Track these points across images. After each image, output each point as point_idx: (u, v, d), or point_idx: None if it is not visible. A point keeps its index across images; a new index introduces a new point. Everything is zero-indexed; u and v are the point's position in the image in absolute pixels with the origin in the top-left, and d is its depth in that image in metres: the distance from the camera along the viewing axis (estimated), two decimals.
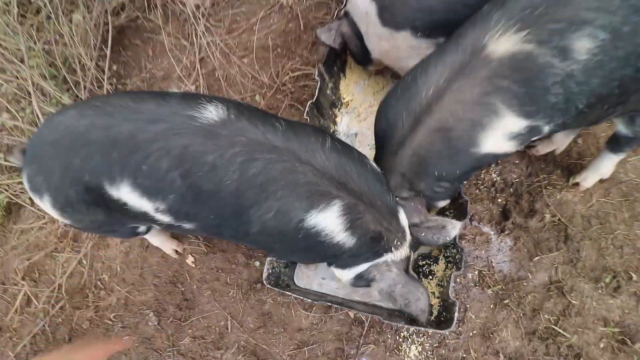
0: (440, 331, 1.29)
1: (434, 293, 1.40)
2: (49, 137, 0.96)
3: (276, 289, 1.37)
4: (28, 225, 1.89)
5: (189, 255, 1.69)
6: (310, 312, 1.49)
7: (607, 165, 1.40)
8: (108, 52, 2.02)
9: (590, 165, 1.45)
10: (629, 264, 1.36)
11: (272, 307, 1.54)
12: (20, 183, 1.89)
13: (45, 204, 1.03)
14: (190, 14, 2.13)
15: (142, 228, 1.29)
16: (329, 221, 0.95)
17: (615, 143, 1.31)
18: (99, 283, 1.76)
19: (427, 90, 1.01)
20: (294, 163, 0.90)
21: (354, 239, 1.00)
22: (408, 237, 1.10)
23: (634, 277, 1.34)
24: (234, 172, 0.89)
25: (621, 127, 1.21)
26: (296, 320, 1.51)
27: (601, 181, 1.47)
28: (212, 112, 0.90)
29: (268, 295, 1.56)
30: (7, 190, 1.89)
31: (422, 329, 1.33)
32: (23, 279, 1.81)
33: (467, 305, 1.41)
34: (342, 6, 1.77)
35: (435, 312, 1.37)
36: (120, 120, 0.89)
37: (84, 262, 1.79)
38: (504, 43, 0.93)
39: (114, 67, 2.11)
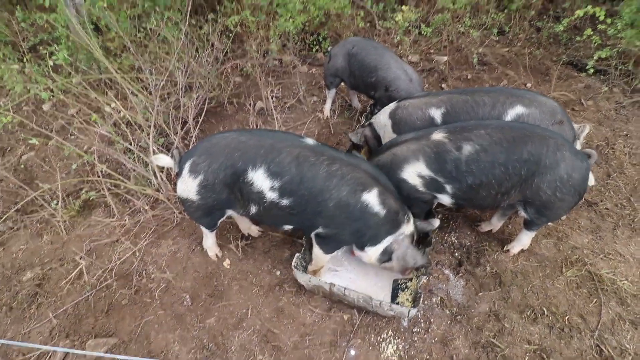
0: (413, 309, 1.73)
1: (407, 299, 1.91)
2: (221, 142, 1.69)
3: (299, 272, 1.87)
4: (98, 220, 2.42)
5: (227, 259, 2.20)
6: (315, 311, 1.93)
7: (525, 238, 2.14)
8: (201, 119, 2.97)
9: (516, 238, 2.18)
10: (542, 304, 1.94)
11: (285, 305, 1.98)
12: (112, 187, 2.50)
13: (194, 182, 1.69)
14: (255, 111, 3.19)
15: (224, 218, 1.90)
16: (372, 198, 1.67)
17: (525, 223, 2.08)
18: (144, 272, 2.18)
19: (397, 140, 1.96)
20: (353, 166, 1.68)
21: (385, 210, 1.70)
22: (412, 218, 1.80)
23: (546, 312, 1.90)
24: (324, 168, 1.63)
25: (522, 212, 1.96)
26: (302, 316, 1.93)
27: (523, 250, 2.18)
28: (309, 140, 1.72)
29: (284, 295, 2.02)
30: (101, 190, 2.46)
31: (401, 309, 1.77)
32: (81, 258, 2.22)
33: (431, 320, 1.90)
34: (361, 124, 2.83)
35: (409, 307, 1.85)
36: (266, 137, 1.68)
37: (137, 254, 2.25)
38: (437, 135, 1.84)
39: (199, 131, 3.03)
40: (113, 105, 2.46)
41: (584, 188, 1.77)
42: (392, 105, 2.40)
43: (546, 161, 1.68)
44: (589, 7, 3.22)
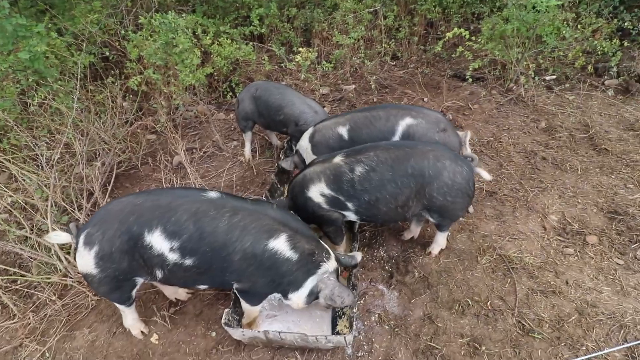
0: (349, 335, 1.73)
1: (345, 326, 1.92)
2: (115, 208, 1.60)
3: (231, 329, 1.78)
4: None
5: (154, 334, 2.02)
6: None
7: (440, 239, 2.32)
8: (110, 187, 2.79)
9: (434, 240, 2.35)
10: (466, 296, 2.10)
11: None
12: (9, 283, 2.18)
13: (89, 254, 1.57)
14: (174, 166, 3.11)
15: (137, 289, 1.76)
16: (281, 244, 1.65)
17: (436, 226, 2.25)
18: None
19: (312, 162, 2.12)
20: (258, 215, 1.66)
21: (297, 254, 1.68)
22: (332, 254, 1.81)
23: (471, 303, 2.05)
24: (225, 221, 1.60)
25: (429, 217, 2.12)
26: None
27: (442, 250, 2.36)
28: (213, 193, 1.69)
29: (222, 357, 1.89)
30: None
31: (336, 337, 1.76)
32: None
33: (373, 339, 1.92)
34: (282, 159, 2.92)
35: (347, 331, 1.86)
36: (163, 196, 1.63)
37: (47, 355, 1.97)
38: (337, 158, 2.00)
39: (108, 200, 2.84)
40: None
41: (470, 188, 2.00)
42: (310, 130, 2.62)
43: (429, 172, 1.90)
44: (456, 28, 3.81)
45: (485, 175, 2.08)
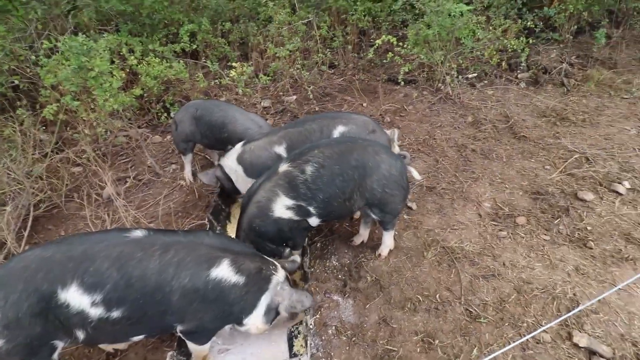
0: (305, 356, 1.75)
1: (302, 345, 1.87)
2: (18, 264, 1.39)
3: None
4: None
5: None
6: None
7: (387, 239, 2.37)
8: (26, 233, 2.48)
9: (382, 242, 2.40)
10: (416, 292, 2.17)
11: None
12: None
13: None
14: (104, 200, 2.86)
15: (58, 352, 1.54)
16: (224, 271, 1.56)
17: (380, 224, 2.31)
18: None
19: (254, 188, 2.04)
20: (193, 246, 1.55)
21: (244, 276, 1.60)
22: (277, 264, 1.78)
23: (421, 299, 2.12)
24: (155, 260, 1.46)
25: (371, 214, 2.19)
26: None
27: (391, 250, 2.42)
28: (138, 232, 1.54)
29: None
30: None
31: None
32: None
33: (332, 353, 1.90)
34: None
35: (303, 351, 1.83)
36: (77, 245, 1.44)
37: None
38: (283, 167, 1.98)
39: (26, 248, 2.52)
40: None
41: (404, 181, 2.11)
42: (238, 149, 2.51)
43: (370, 164, 1.99)
44: (384, 35, 4.00)
45: (416, 175, 2.21)
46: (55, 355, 1.56)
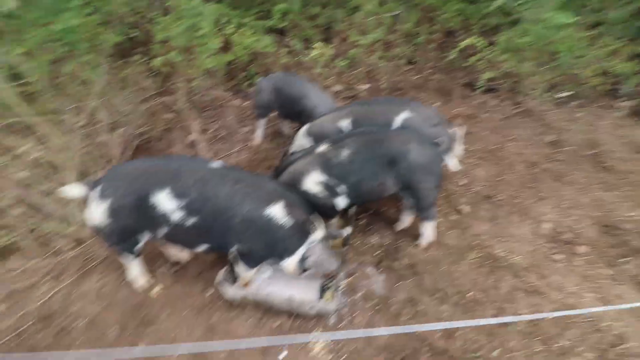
0: (332, 303, 1.94)
1: (329, 298, 2.04)
2: (126, 168, 1.80)
3: (223, 288, 1.92)
4: (18, 264, 2.29)
5: (155, 287, 2.19)
6: (247, 322, 1.99)
7: (427, 230, 2.39)
8: (129, 155, 2.99)
9: (422, 232, 2.45)
10: (450, 285, 2.19)
11: (216, 322, 2.01)
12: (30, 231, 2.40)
13: (103, 206, 1.75)
14: (188, 143, 3.30)
15: (140, 244, 1.94)
16: (278, 211, 1.82)
17: (417, 210, 2.34)
18: (67, 312, 2.09)
19: (291, 159, 2.24)
20: (258, 185, 1.84)
21: (292, 221, 1.84)
22: (322, 225, 1.98)
23: (453, 292, 2.15)
24: (227, 186, 1.77)
25: (406, 200, 2.30)
26: (234, 330, 1.96)
27: (432, 244, 2.46)
28: (217, 164, 1.87)
29: (215, 312, 2.05)
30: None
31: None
32: None
33: (355, 314, 2.04)
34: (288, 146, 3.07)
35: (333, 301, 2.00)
36: (171, 161, 1.81)
37: (59, 294, 2.16)
38: (321, 148, 2.17)
39: None
40: (25, 147, 2.43)
41: (436, 168, 2.18)
42: (304, 128, 2.73)
43: (400, 150, 2.10)
44: (471, 38, 3.91)
45: (453, 164, 2.22)
46: (139, 246, 1.95)
